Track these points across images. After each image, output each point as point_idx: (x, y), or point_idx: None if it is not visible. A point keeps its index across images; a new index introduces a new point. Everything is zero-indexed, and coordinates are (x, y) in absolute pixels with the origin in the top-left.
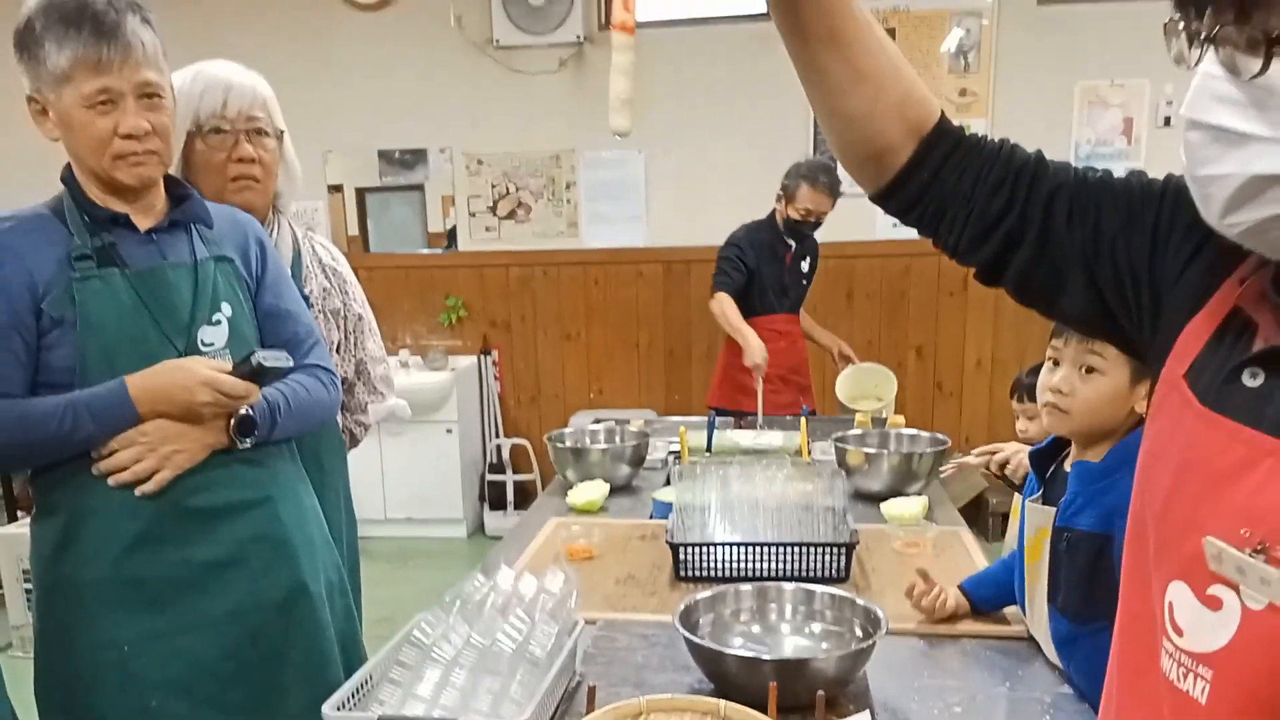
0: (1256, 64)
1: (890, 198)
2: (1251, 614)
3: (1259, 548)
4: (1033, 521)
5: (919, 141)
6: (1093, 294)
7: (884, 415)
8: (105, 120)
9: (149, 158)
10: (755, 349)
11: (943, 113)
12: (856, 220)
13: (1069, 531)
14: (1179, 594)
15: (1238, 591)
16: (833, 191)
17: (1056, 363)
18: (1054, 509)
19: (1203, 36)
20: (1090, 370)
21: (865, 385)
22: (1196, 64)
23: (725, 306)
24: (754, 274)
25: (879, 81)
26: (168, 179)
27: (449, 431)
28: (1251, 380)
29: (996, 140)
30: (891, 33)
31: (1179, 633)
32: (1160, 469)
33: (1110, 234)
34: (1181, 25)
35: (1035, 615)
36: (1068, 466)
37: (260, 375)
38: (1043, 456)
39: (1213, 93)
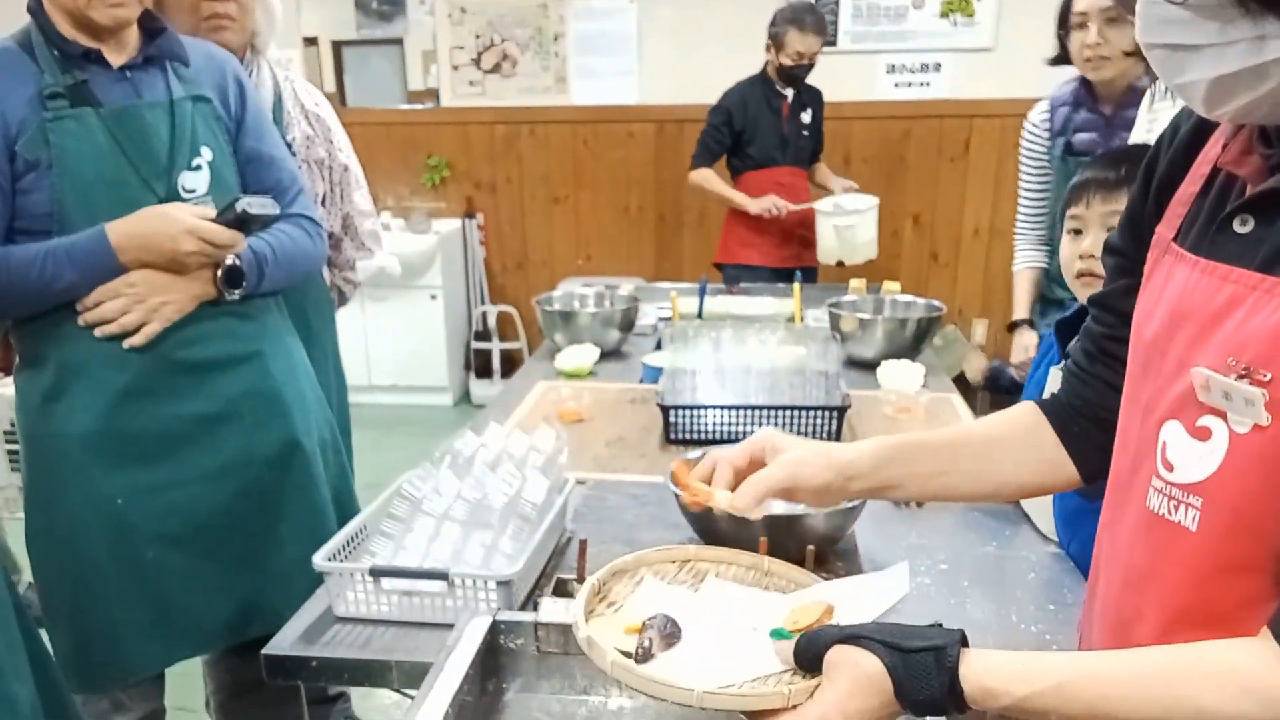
0: None
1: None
2: (1237, 438)
3: (1243, 373)
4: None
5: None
6: None
7: (855, 224)
8: None
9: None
10: (755, 201)
11: (1034, 404)
12: (855, 79)
13: None
14: (1172, 432)
15: (1225, 419)
16: (820, 30)
17: (1079, 231)
18: None
19: None
20: None
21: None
22: None
23: (704, 179)
24: (744, 132)
25: (997, 464)
26: (141, 12)
27: (433, 298)
28: (1241, 227)
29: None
30: None
31: (1170, 468)
32: (1154, 322)
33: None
34: None
35: None
36: None
37: (246, 223)
38: (1066, 326)
39: (1157, 16)
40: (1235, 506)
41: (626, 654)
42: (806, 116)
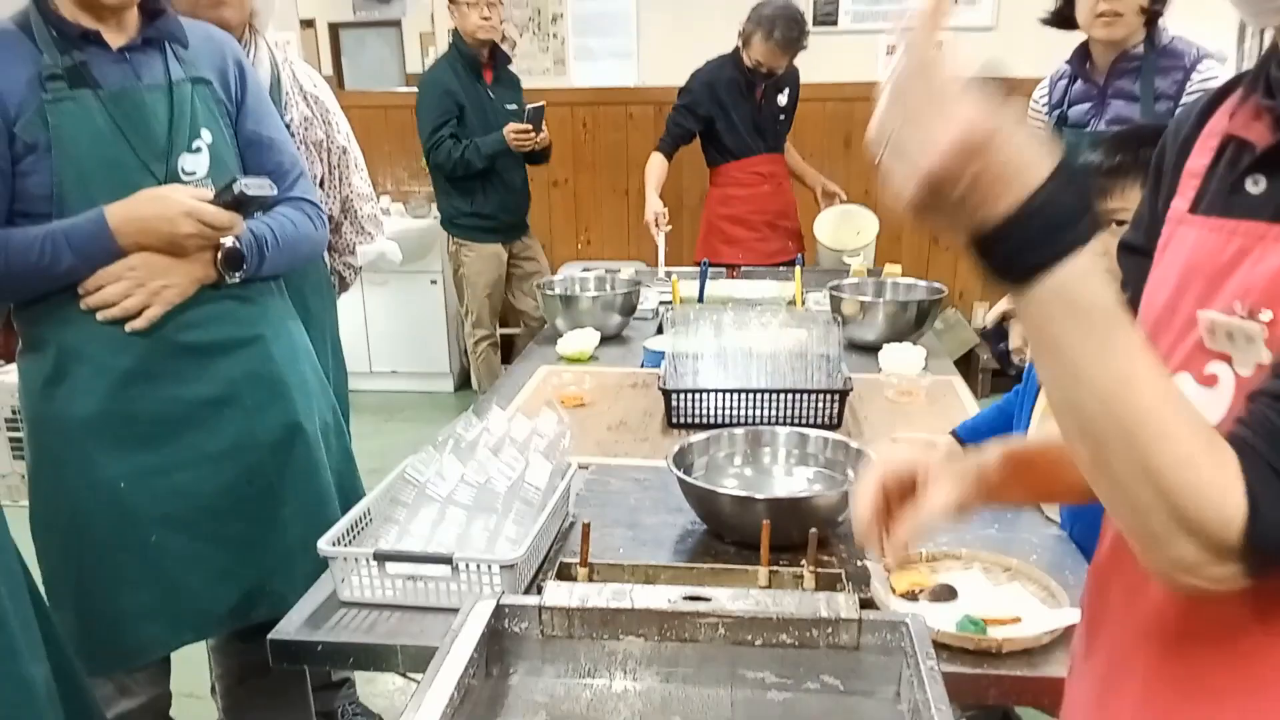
0: None
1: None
2: (1243, 381)
3: (1247, 315)
4: None
5: None
6: None
7: (860, 255)
8: None
9: None
10: (648, 206)
11: None
12: (857, 59)
13: None
14: (1181, 384)
15: (1230, 362)
16: (787, 47)
17: None
18: None
19: None
20: (1120, 223)
21: (847, 227)
22: None
23: (649, 167)
24: (715, 118)
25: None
26: None
27: (434, 283)
28: (1254, 187)
29: None
30: None
31: None
32: (1164, 284)
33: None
34: None
35: None
36: None
37: (244, 204)
38: None
39: None
40: None
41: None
42: (783, 99)
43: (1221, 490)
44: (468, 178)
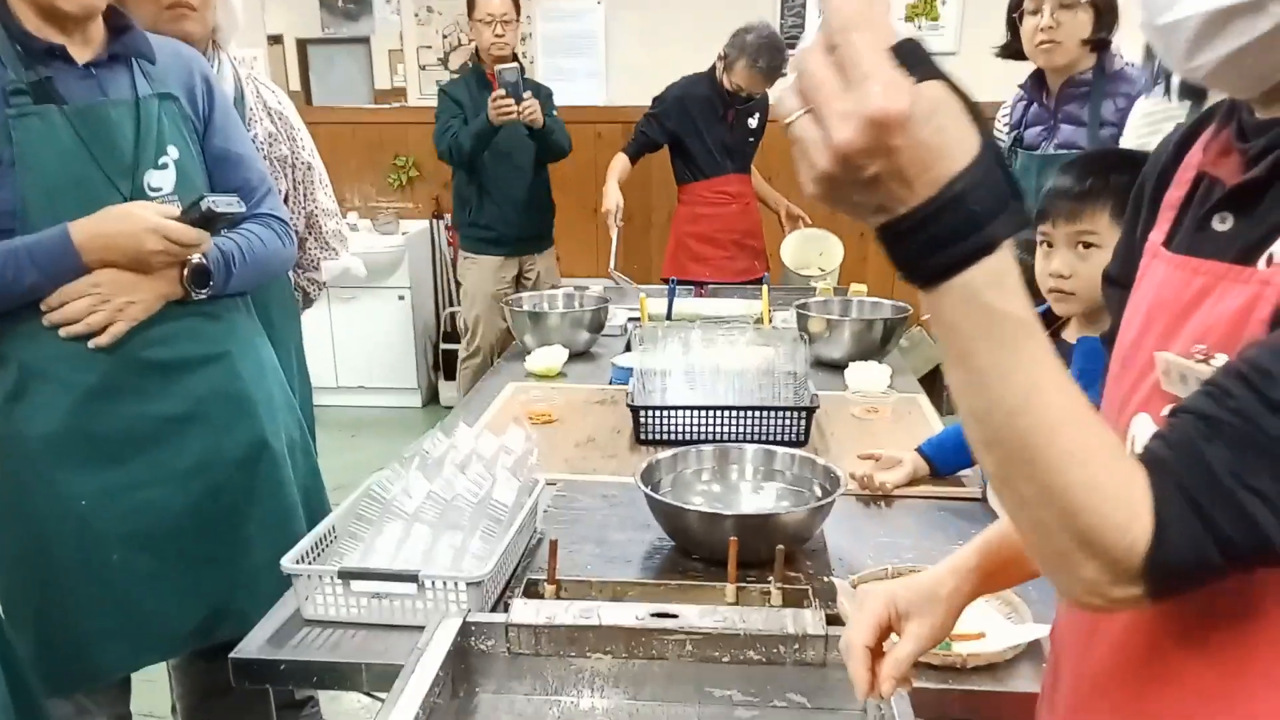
0: None
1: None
2: None
3: (1204, 357)
4: None
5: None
6: None
7: (829, 281)
8: None
9: None
10: (608, 195)
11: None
12: None
13: None
14: (1141, 425)
15: None
16: (770, 75)
17: (1050, 245)
18: None
19: None
20: (1087, 245)
21: (812, 250)
22: None
23: (612, 164)
24: (684, 134)
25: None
26: (106, 8)
27: (401, 298)
28: (1221, 225)
29: None
30: None
31: None
32: (1133, 319)
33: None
34: None
35: None
36: (1066, 336)
37: (211, 221)
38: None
39: None
40: None
41: None
42: (753, 122)
43: (1128, 513)
44: (470, 184)
